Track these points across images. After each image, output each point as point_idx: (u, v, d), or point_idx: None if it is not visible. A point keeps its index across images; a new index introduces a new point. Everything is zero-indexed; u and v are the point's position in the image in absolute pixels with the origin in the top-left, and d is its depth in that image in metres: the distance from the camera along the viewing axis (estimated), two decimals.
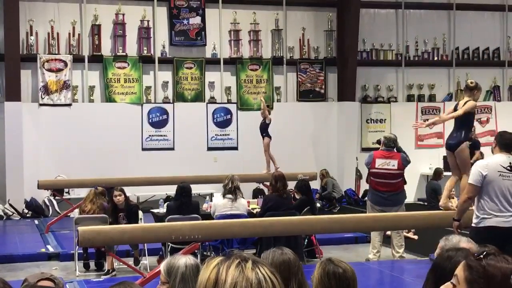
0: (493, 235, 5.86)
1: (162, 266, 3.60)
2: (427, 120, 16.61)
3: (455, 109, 7.59)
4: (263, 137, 13.08)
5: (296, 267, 3.35)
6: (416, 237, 10.75)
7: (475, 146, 13.76)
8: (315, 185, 14.37)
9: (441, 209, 11.09)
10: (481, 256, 2.14)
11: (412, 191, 15.10)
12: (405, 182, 9.29)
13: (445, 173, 13.70)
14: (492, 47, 17.59)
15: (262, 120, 13.09)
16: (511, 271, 2.08)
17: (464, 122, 7.46)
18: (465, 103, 7.44)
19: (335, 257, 3.41)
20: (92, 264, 9.02)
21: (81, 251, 8.89)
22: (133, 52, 15.16)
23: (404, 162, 9.12)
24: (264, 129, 13.04)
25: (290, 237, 8.58)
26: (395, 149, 9.21)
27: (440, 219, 7.77)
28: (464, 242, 3.53)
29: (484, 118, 17.25)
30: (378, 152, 9.28)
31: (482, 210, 6.13)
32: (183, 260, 3.55)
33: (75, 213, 11.07)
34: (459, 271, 2.16)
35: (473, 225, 6.22)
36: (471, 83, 7.55)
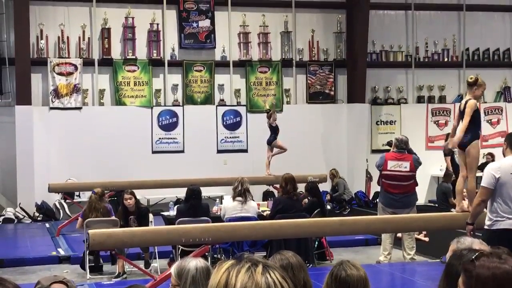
0: (506, 237, 5.82)
1: (173, 269, 3.60)
2: (438, 121, 16.67)
3: (460, 110, 7.54)
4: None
5: (297, 270, 3.34)
6: (427, 239, 10.70)
7: (444, 153, 13.87)
8: (325, 187, 14.35)
9: (451, 211, 11.05)
10: (473, 258, 2.14)
11: (422, 193, 15.03)
12: (416, 184, 9.25)
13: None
14: (503, 48, 17.51)
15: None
16: (502, 271, 2.05)
17: (472, 120, 7.40)
18: (465, 103, 7.36)
19: (350, 260, 3.39)
20: (102, 267, 9.04)
21: (81, 255, 8.95)
22: (142, 55, 15.20)
23: (416, 163, 9.08)
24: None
25: (300, 239, 8.57)
26: (406, 151, 9.18)
27: (451, 221, 7.74)
28: (477, 244, 3.51)
29: (494, 119, 17.17)
30: (389, 154, 9.25)
31: (495, 213, 6.09)
32: (194, 262, 3.55)
33: None
34: (461, 275, 2.16)
35: (486, 227, 6.17)
36: (471, 79, 7.44)
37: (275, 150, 13.11)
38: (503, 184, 6.05)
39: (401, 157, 9.04)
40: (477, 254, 2.18)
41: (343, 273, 3.26)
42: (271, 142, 13.15)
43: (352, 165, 15.98)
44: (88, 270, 8.74)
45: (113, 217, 9.19)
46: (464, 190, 7.74)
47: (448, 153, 13.88)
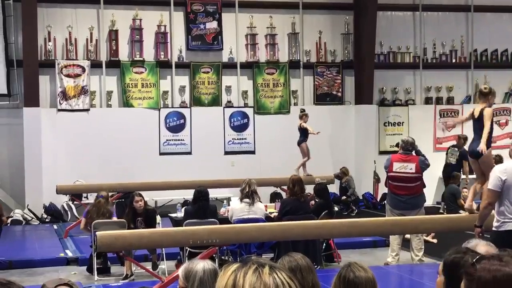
0: None
1: (180, 271, 3.60)
2: (446, 123, 16.60)
3: (472, 115, 7.55)
4: (302, 143, 13.39)
5: (306, 272, 3.34)
6: (435, 240, 10.66)
7: (464, 156, 13.70)
8: (332, 188, 14.33)
9: (460, 212, 11.01)
10: (475, 261, 2.13)
11: (430, 195, 14.97)
12: (424, 186, 9.21)
13: (463, 176, 13.62)
14: (511, 49, 17.44)
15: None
16: (502, 274, 2.04)
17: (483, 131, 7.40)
18: (481, 111, 7.37)
19: (358, 262, 3.39)
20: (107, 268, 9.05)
21: (88, 256, 8.98)
22: (150, 57, 15.22)
23: (423, 165, 9.04)
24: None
25: (308, 241, 8.56)
26: (413, 153, 9.14)
27: (459, 223, 7.72)
28: (483, 246, 3.50)
29: (503, 120, 17.11)
30: (395, 156, 9.23)
31: (503, 215, 6.07)
32: (201, 264, 3.55)
33: None
34: (463, 280, 2.16)
35: (493, 228, 6.16)
36: (485, 88, 7.52)
37: (301, 157, 13.26)
38: (510, 186, 6.03)
39: (406, 158, 9.01)
40: (478, 257, 2.17)
41: (351, 275, 3.26)
42: (300, 144, 13.30)
43: (359, 166, 15.95)
44: (95, 272, 8.75)
45: (117, 219, 9.22)
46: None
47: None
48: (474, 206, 7.49)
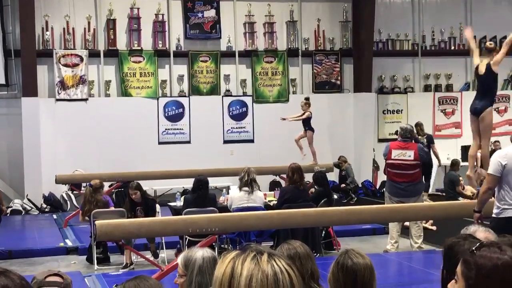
0: None
1: (180, 259, 3.61)
2: (445, 110, 16.61)
3: (476, 72, 7.54)
4: (306, 130, 13.13)
5: (305, 259, 3.34)
6: (434, 227, 10.69)
7: (430, 141, 13.69)
8: (332, 176, 14.34)
9: (459, 199, 11.03)
10: (474, 248, 2.13)
11: (430, 182, 14.98)
12: (423, 173, 9.21)
13: (462, 164, 13.62)
14: None
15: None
16: (503, 262, 2.04)
17: (488, 87, 7.42)
18: (487, 65, 7.36)
19: (355, 249, 3.40)
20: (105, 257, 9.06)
21: (87, 246, 9.02)
22: (148, 46, 15.18)
23: (421, 152, 9.05)
24: (306, 123, 13.08)
25: (308, 229, 8.57)
26: (412, 140, 9.14)
27: (458, 209, 7.74)
28: (482, 232, 3.49)
29: (502, 107, 17.10)
30: (394, 143, 9.23)
31: (503, 201, 6.07)
32: (200, 253, 3.56)
33: None
34: (458, 266, 2.15)
35: (493, 215, 6.16)
36: (490, 44, 7.52)
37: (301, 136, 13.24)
38: (510, 171, 6.03)
39: (405, 146, 9.01)
40: (477, 245, 2.16)
41: (349, 262, 3.26)
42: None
43: (359, 154, 15.96)
44: (95, 261, 8.77)
45: (114, 208, 9.23)
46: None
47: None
48: (468, 192, 7.51)
